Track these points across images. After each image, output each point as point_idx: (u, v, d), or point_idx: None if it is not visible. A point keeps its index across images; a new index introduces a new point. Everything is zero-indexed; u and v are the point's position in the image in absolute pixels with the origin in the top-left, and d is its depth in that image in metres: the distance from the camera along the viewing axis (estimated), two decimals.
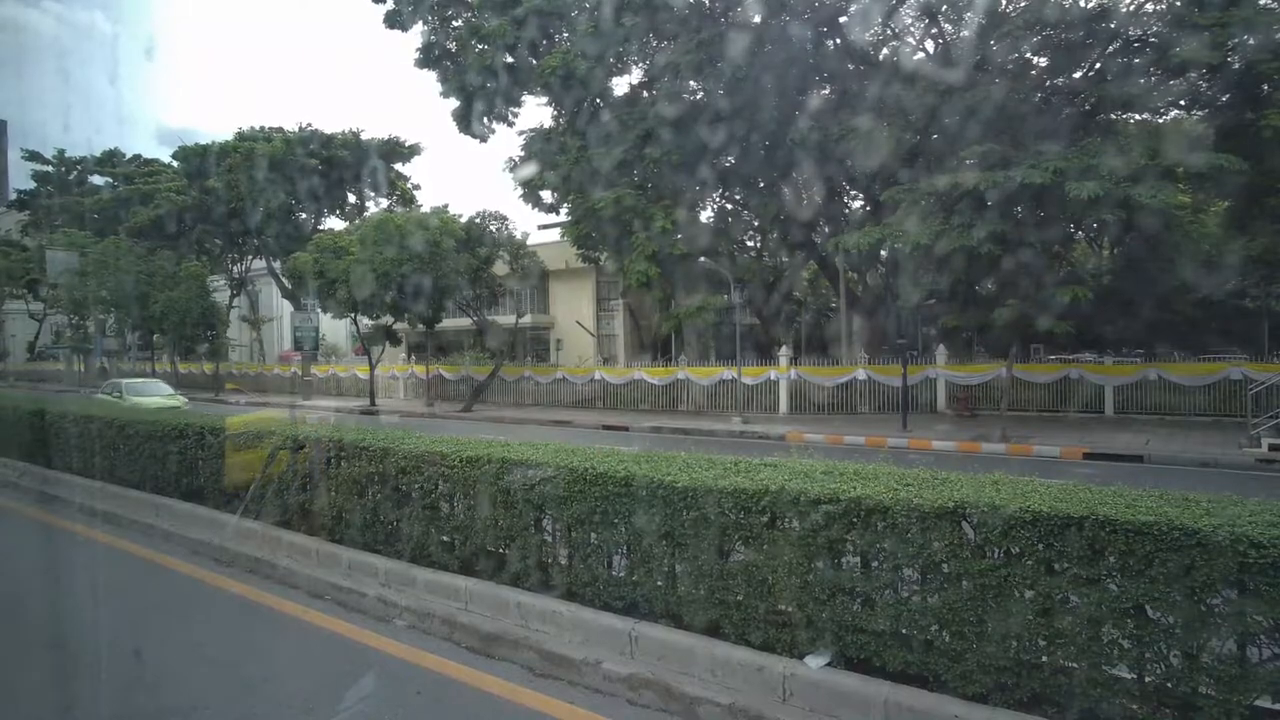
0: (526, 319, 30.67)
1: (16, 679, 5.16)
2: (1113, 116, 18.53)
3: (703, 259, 24.92)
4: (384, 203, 39.77)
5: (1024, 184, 13.67)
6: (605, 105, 25.91)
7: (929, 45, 22.90)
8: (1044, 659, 3.77)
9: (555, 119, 27.83)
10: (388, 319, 28.14)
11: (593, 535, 5.36)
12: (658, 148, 22.87)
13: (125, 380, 25.44)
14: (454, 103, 28.48)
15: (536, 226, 62.15)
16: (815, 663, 4.27)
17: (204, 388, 38.74)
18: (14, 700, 4.86)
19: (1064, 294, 14.75)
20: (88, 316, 40.47)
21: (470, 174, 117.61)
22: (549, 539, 5.72)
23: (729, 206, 28.56)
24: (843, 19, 22.66)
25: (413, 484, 6.46)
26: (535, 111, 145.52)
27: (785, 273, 29.95)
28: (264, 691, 4.86)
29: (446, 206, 27.30)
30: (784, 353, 22.83)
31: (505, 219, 26.87)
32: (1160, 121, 19.28)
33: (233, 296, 42.05)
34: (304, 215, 39.48)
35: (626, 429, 20.06)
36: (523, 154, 28.15)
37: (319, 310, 31.61)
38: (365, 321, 28.93)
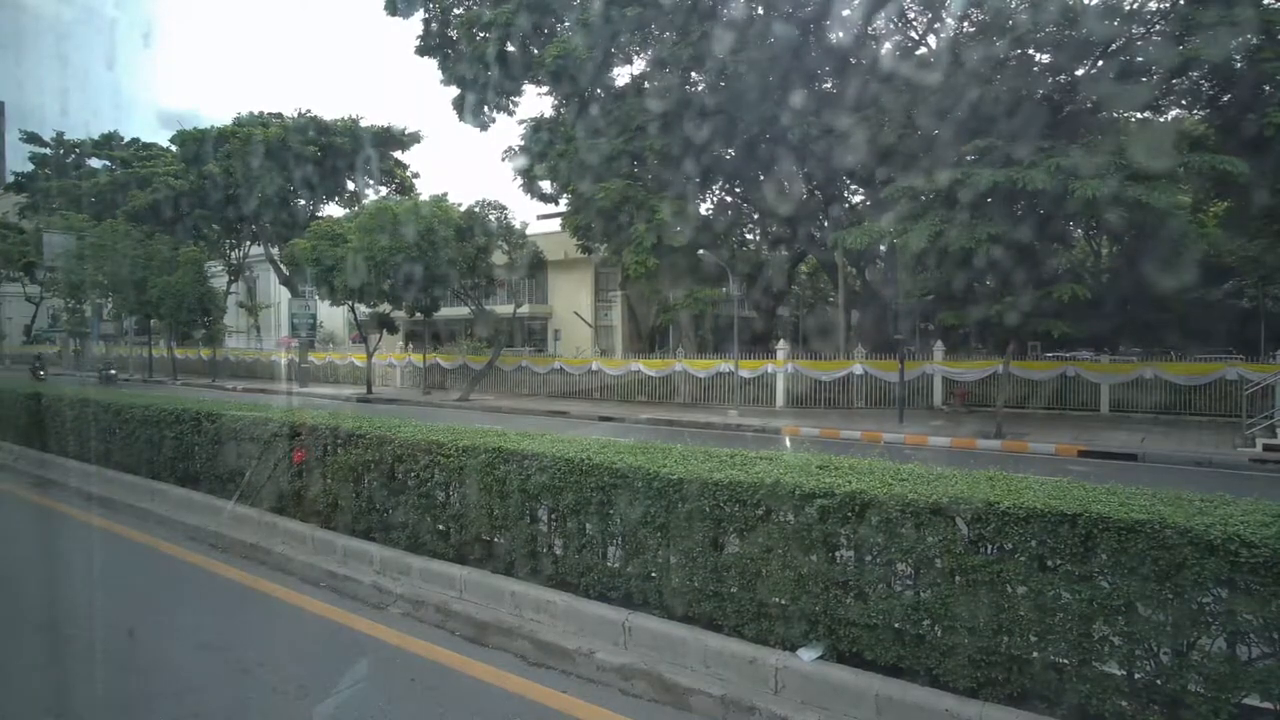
0: (524, 309, 30.63)
1: (10, 661, 5.17)
2: (1114, 115, 18.52)
3: (702, 251, 24.91)
4: (383, 190, 39.66)
5: (1026, 187, 13.63)
6: (606, 96, 25.84)
7: (931, 40, 22.85)
8: (1035, 655, 3.79)
9: (556, 109, 27.75)
10: (385, 307, 28.08)
11: (587, 526, 5.37)
12: (657, 139, 22.82)
13: None
14: (454, 91, 28.41)
15: (536, 216, 62.10)
16: (807, 655, 4.29)
17: (200, 373, 38.71)
18: (7, 682, 4.87)
19: (1062, 292, 14.75)
20: (84, 300, 40.31)
21: (470, 163, 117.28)
22: (544, 529, 5.73)
23: (728, 199, 28.54)
24: (845, 12, 22.59)
25: (409, 472, 6.46)
26: (536, 101, 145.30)
27: (784, 266, 29.98)
28: (257, 676, 4.88)
29: (446, 195, 27.09)
30: (781, 346, 22.82)
31: (504, 208, 26.75)
32: (1161, 120, 19.29)
33: (230, 282, 41.93)
34: (302, 202, 39.34)
35: (623, 420, 20.08)
36: (522, 143, 28.08)
37: (316, 297, 31.53)
38: (363, 309, 28.88)
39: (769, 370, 22.46)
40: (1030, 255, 15.24)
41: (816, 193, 25.67)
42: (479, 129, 28.96)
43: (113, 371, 34.95)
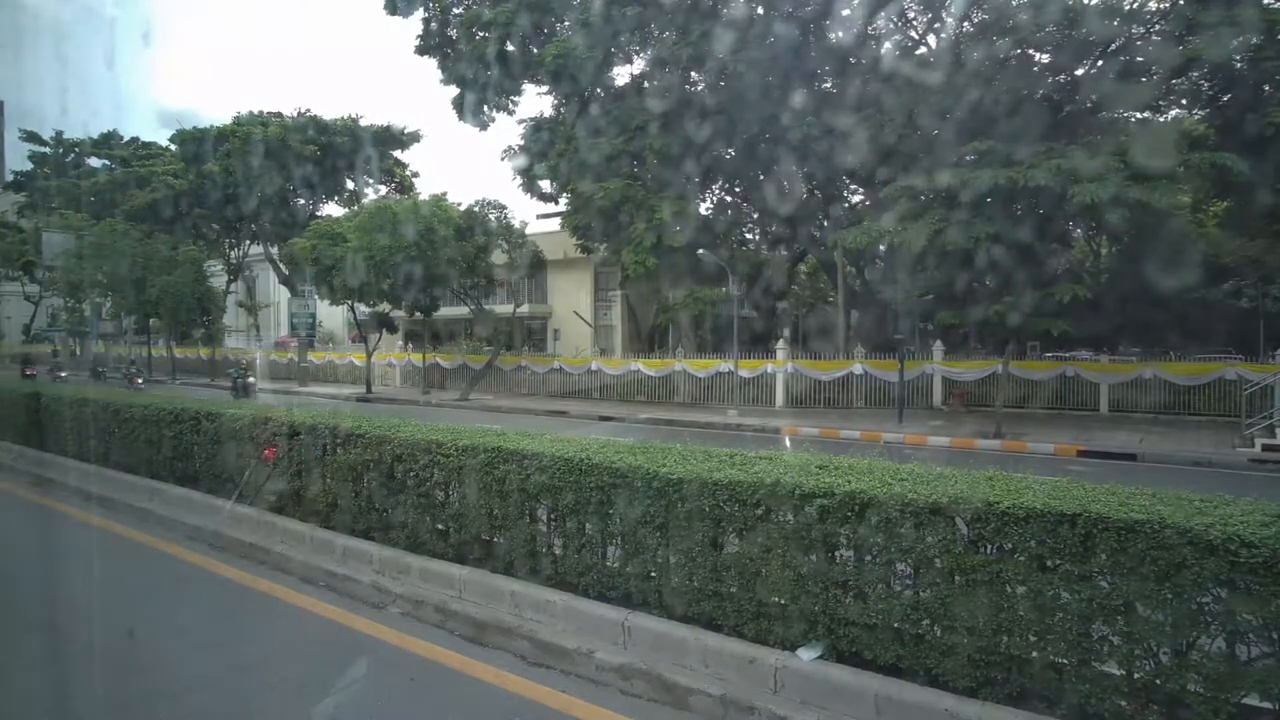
0: (524, 309, 30.62)
1: (10, 660, 5.17)
2: (1114, 115, 18.53)
3: (702, 251, 24.91)
4: (382, 190, 39.67)
5: (1028, 185, 13.62)
6: (606, 95, 25.83)
7: (931, 40, 22.85)
8: (1034, 654, 3.79)
9: (555, 108, 27.75)
10: (385, 306, 28.08)
11: (587, 525, 5.37)
12: (657, 139, 22.82)
13: None
14: (454, 90, 28.41)
15: (535, 216, 62.08)
16: (807, 655, 4.28)
17: (199, 373, 38.72)
18: (8, 681, 4.86)
19: (1063, 293, 14.74)
20: (84, 299, 40.30)
21: (470, 162, 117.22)
22: (543, 529, 5.73)
23: (728, 199, 28.52)
24: (845, 12, 22.59)
25: (408, 472, 6.45)
26: (536, 101, 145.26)
27: (784, 266, 29.97)
28: (256, 674, 4.88)
29: (445, 194, 27.11)
30: (781, 346, 22.83)
31: (504, 208, 26.80)
32: (1161, 120, 19.30)
33: (230, 282, 41.94)
34: (301, 201, 39.34)
35: (622, 420, 20.08)
36: (522, 143, 28.08)
37: (316, 297, 31.51)
38: (362, 309, 28.87)
39: (768, 370, 22.47)
40: (1030, 255, 15.22)
41: (816, 193, 25.65)
42: (479, 128, 29.02)
43: (251, 379, 25.44)
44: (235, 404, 10.05)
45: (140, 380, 27.61)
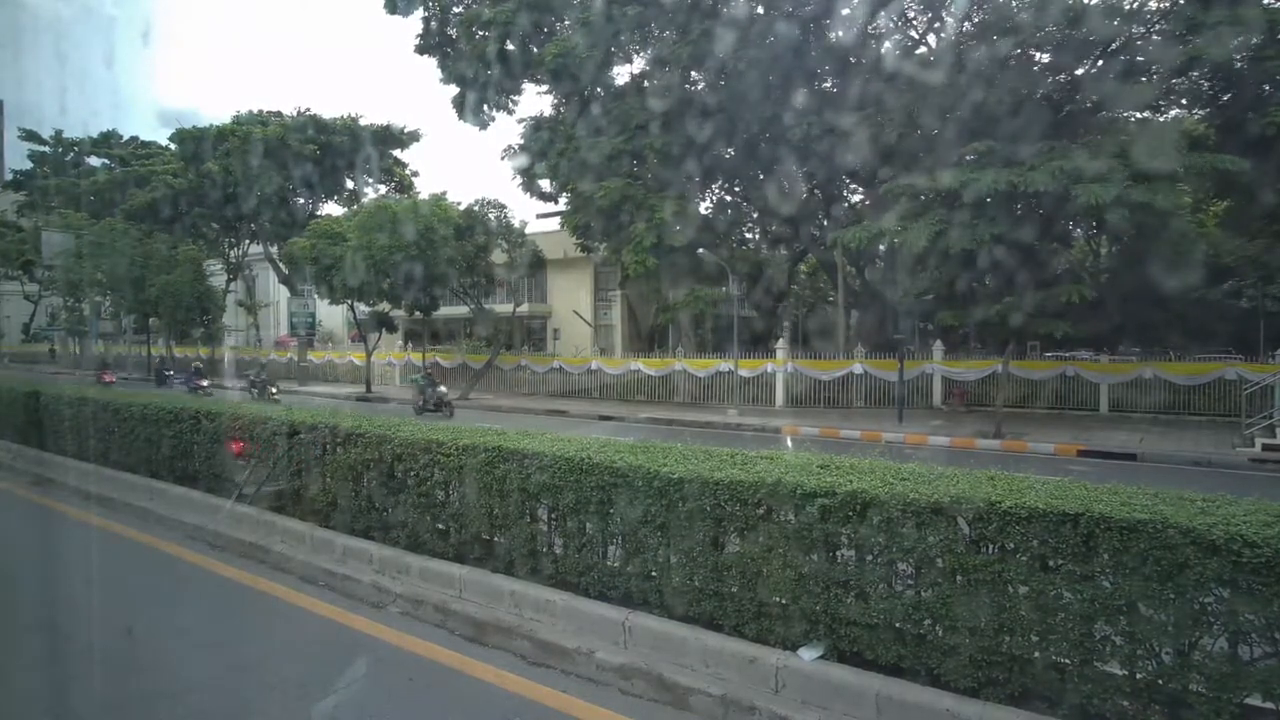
0: (524, 308, 30.61)
1: (9, 660, 5.16)
2: (1115, 115, 18.51)
3: (702, 251, 24.90)
4: (382, 189, 39.65)
5: (1027, 189, 13.60)
6: (606, 94, 25.81)
7: (931, 40, 22.83)
8: (1036, 654, 3.78)
9: (555, 107, 27.74)
10: (384, 306, 28.04)
11: (587, 525, 5.36)
12: (657, 138, 22.81)
13: None
14: (454, 89, 28.38)
15: (535, 215, 62.02)
16: (808, 655, 4.27)
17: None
18: (7, 681, 4.85)
19: (1067, 294, 14.72)
20: (83, 299, 40.27)
21: (470, 161, 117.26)
22: (544, 528, 5.72)
23: (729, 199, 28.51)
24: (845, 11, 22.57)
25: (408, 471, 6.45)
26: (535, 100, 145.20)
27: (784, 266, 29.97)
28: (256, 674, 4.87)
29: (445, 194, 27.10)
30: (781, 345, 22.82)
31: (504, 207, 26.79)
32: (1161, 120, 19.27)
33: (229, 281, 41.91)
34: (301, 200, 39.30)
35: (622, 419, 20.07)
36: (522, 142, 28.06)
37: (315, 296, 31.49)
38: (362, 308, 28.84)
39: (768, 370, 22.46)
40: (1030, 255, 15.21)
41: (817, 192, 25.65)
42: (479, 128, 28.96)
43: (443, 388, 21.65)
44: (235, 404, 9.98)
45: (274, 389, 23.35)
